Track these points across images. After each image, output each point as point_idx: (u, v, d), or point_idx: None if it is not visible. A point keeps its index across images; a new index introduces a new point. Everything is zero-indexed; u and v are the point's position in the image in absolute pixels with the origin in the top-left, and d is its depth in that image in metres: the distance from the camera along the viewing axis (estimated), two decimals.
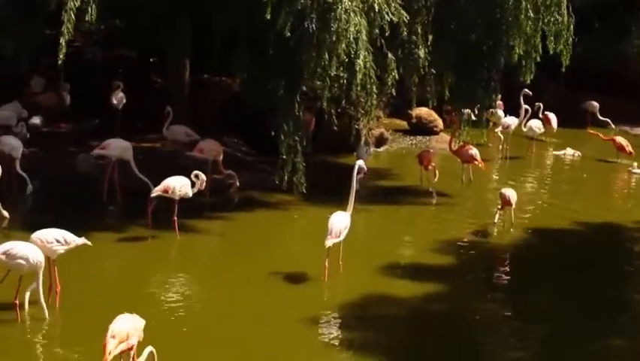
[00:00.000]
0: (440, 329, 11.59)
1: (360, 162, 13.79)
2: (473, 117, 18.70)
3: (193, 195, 14.61)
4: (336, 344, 10.91)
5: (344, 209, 13.17)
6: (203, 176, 14.80)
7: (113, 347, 8.65)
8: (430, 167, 18.39)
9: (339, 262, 12.92)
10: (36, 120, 19.48)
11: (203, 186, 14.88)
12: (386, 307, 12.15)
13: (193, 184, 14.57)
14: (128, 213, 15.71)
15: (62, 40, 14.41)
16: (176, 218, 14.35)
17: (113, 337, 8.68)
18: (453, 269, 13.86)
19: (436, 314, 12.11)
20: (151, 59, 24.03)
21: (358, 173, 13.59)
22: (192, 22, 18.70)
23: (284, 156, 15.70)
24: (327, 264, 12.56)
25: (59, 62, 14.57)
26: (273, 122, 16.23)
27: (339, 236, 12.70)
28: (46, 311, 10.76)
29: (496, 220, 15.72)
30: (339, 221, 12.83)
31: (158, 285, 12.58)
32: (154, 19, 18.63)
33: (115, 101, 19.98)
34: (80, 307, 11.24)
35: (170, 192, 14.31)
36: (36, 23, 16.14)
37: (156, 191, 14.38)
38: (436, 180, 18.26)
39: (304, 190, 15.85)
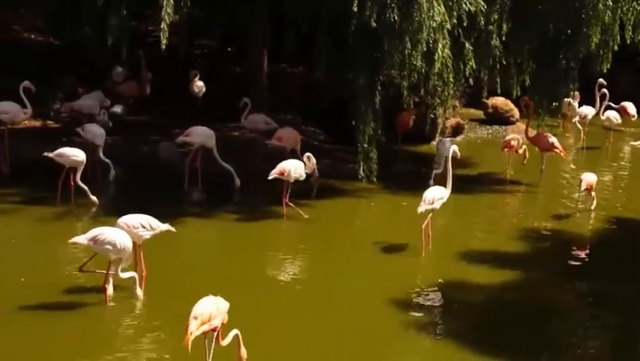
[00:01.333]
0: (518, 316, 11.66)
1: (454, 147, 14.21)
2: (550, 107, 18.62)
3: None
4: (415, 326, 11.07)
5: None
6: (314, 158, 15.16)
7: (194, 328, 8.83)
8: (520, 150, 18.48)
9: (429, 233, 13.45)
10: (118, 109, 19.89)
11: (314, 169, 15.32)
12: (465, 293, 12.30)
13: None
14: (210, 199, 16.01)
15: (164, 25, 14.78)
16: (286, 200, 14.89)
17: (195, 318, 8.86)
18: (532, 256, 13.95)
19: (514, 301, 12.19)
20: (229, 49, 24.27)
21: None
22: (272, 10, 18.89)
23: (363, 146, 15.89)
24: (425, 237, 13.35)
25: (162, 47, 14.90)
26: (352, 112, 16.39)
27: (432, 204, 13.35)
28: (140, 295, 11.09)
29: (578, 206, 15.75)
30: (435, 191, 13.59)
31: (244, 268, 12.77)
32: (234, 8, 18.88)
33: (195, 90, 20.28)
34: (166, 291, 11.51)
35: (285, 174, 14.85)
36: (118, 12, 16.42)
37: (273, 174, 14.92)
38: (525, 162, 18.52)
39: (375, 180, 16.05)
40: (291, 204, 14.94)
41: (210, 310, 8.98)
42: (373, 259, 13.39)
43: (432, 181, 16.38)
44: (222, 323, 9.11)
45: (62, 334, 10.35)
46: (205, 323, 8.93)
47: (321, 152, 17.76)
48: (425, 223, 13.31)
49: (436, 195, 13.48)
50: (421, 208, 13.31)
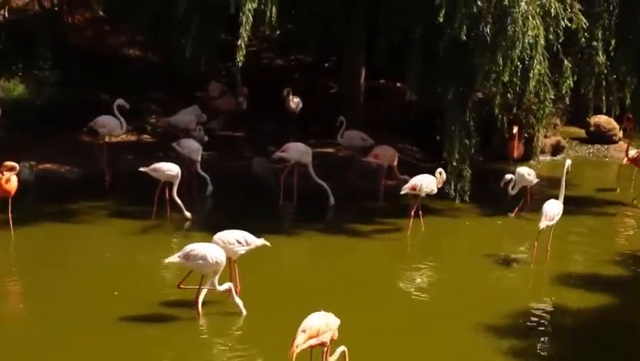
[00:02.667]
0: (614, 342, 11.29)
1: (569, 161, 14.27)
2: None
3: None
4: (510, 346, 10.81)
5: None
6: (445, 173, 15.18)
7: (301, 341, 8.80)
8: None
9: (547, 249, 13.42)
10: (214, 124, 20.00)
11: (442, 183, 15.31)
12: (560, 316, 11.99)
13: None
14: (304, 215, 15.92)
15: (241, 42, 14.74)
16: (413, 214, 14.83)
17: (304, 331, 8.85)
18: (632, 281, 13.52)
19: (609, 326, 11.78)
20: (326, 64, 24.25)
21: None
22: (367, 25, 18.80)
23: (453, 164, 15.68)
24: (535, 249, 13.41)
25: (238, 64, 14.90)
26: (440, 128, 16.18)
27: (552, 220, 13.33)
28: (243, 309, 11.01)
29: None
30: (554, 206, 13.49)
31: (343, 283, 12.65)
32: (329, 24, 18.83)
33: (292, 106, 20.25)
34: (262, 306, 11.35)
35: (417, 189, 14.82)
36: (213, 27, 16.48)
37: (405, 189, 14.94)
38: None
39: (467, 199, 15.82)
40: (412, 217, 14.85)
41: (319, 325, 8.95)
42: (477, 276, 13.27)
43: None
44: (332, 339, 9.06)
45: (157, 347, 10.36)
46: (312, 337, 8.90)
47: (416, 169, 17.51)
48: (538, 239, 13.34)
49: (556, 211, 13.40)
50: (542, 224, 13.29)
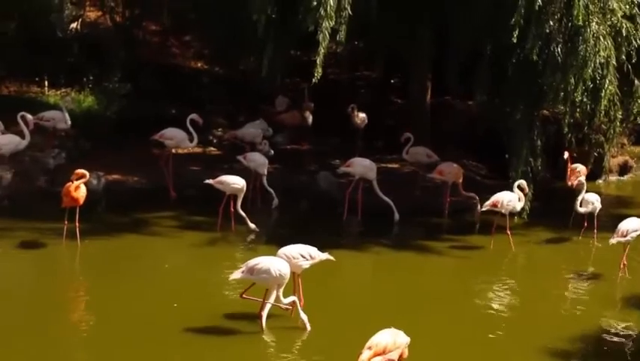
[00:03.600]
0: None
1: None
2: None
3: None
4: None
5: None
6: (526, 188, 15.16)
7: (365, 358, 8.74)
8: None
9: (622, 264, 13.35)
10: (279, 138, 20.11)
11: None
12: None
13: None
14: (368, 231, 15.92)
15: (318, 60, 14.89)
16: (509, 232, 14.89)
17: (370, 348, 8.79)
18: None
19: None
20: (392, 80, 24.26)
21: None
22: (435, 42, 18.79)
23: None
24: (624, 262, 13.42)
25: (314, 80, 15.03)
26: (507, 145, 16.10)
27: (624, 236, 13.22)
28: (307, 325, 10.93)
29: None
30: (629, 222, 13.39)
31: (413, 302, 12.51)
32: (396, 41, 18.84)
33: (357, 122, 20.28)
34: (325, 321, 11.30)
35: (499, 205, 14.84)
36: (289, 45, 16.62)
37: (486, 205, 14.98)
38: None
39: (526, 217, 15.69)
40: (509, 235, 14.90)
41: (386, 342, 8.87)
42: (549, 294, 13.18)
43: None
44: (401, 357, 8.99)
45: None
46: (379, 354, 8.82)
47: (481, 187, 17.50)
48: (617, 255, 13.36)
49: (631, 227, 13.28)
50: (613, 240, 13.26)
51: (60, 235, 14.15)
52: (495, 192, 15.10)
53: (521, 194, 15.04)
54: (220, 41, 20.44)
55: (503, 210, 14.85)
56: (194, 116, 17.04)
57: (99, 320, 11.43)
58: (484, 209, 15.00)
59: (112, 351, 10.41)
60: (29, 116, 16.70)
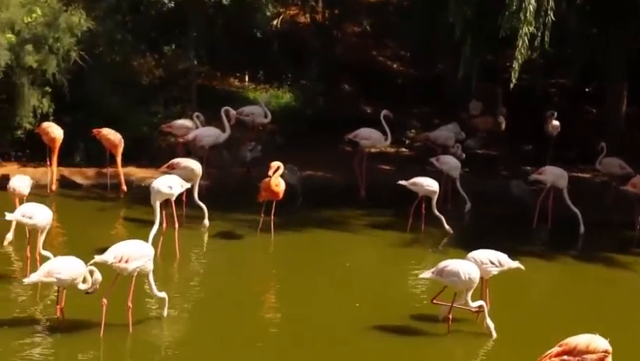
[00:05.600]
0: None
1: None
2: None
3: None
4: None
5: None
6: None
7: (553, 352, 8.73)
8: None
9: None
10: (471, 142, 20.16)
11: None
12: None
13: None
14: (556, 240, 15.83)
15: (516, 65, 14.91)
16: None
17: (560, 346, 8.77)
18: None
19: None
20: (587, 89, 23.88)
21: None
22: (631, 49, 18.47)
23: None
24: None
25: (511, 86, 15.04)
26: None
27: None
28: (493, 332, 10.88)
29: None
30: None
31: (608, 314, 12.12)
32: (592, 46, 18.60)
33: (550, 129, 20.10)
34: (512, 330, 11.24)
35: None
36: (485, 48, 16.67)
37: None
38: None
39: None
40: None
41: (577, 342, 8.79)
42: None
43: None
44: None
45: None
46: (567, 353, 8.76)
47: None
48: None
49: None
50: None
51: (255, 228, 14.68)
52: None
53: None
54: (418, 44, 20.62)
55: None
56: (385, 112, 17.31)
57: (285, 316, 11.74)
58: None
59: (296, 349, 10.64)
60: (232, 111, 17.30)
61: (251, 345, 10.53)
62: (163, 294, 10.83)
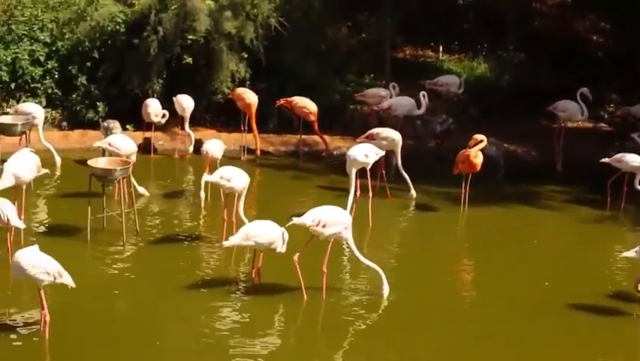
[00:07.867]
0: None
1: None
2: None
3: None
4: None
5: None
6: None
7: None
8: None
9: None
10: None
11: None
12: None
13: None
14: None
15: None
16: None
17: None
18: None
19: None
20: None
21: None
22: None
23: None
24: None
25: None
26: None
27: None
28: None
29: None
30: None
31: None
32: None
33: None
34: None
35: None
36: None
37: None
38: None
39: None
40: None
41: None
42: None
43: None
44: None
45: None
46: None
47: None
48: None
49: None
50: None
51: (446, 199, 14.59)
52: None
53: None
54: (618, 16, 19.88)
55: None
56: (584, 90, 16.78)
57: (475, 293, 11.71)
58: None
59: (486, 327, 10.48)
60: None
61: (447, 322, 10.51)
62: (373, 265, 10.90)
